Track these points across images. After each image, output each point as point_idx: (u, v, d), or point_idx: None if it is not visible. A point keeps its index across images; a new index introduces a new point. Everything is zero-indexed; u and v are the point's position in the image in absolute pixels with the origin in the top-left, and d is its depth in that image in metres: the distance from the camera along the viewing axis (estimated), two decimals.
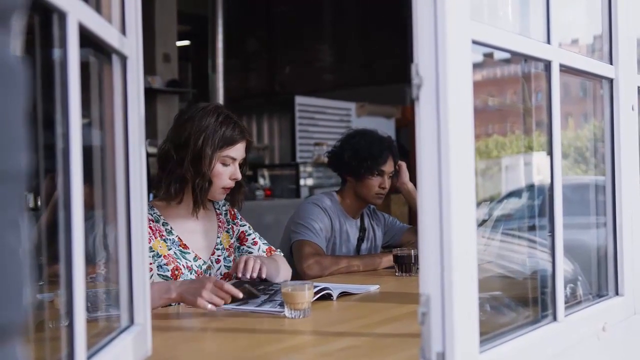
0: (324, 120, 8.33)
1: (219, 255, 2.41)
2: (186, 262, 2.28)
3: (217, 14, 7.65)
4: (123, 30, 1.35)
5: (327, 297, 2.17)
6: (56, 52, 0.99)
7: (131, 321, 1.38)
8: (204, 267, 2.33)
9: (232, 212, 2.53)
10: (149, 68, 7.14)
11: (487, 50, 1.36)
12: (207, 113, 2.28)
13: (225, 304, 1.93)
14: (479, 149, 1.25)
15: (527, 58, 1.61)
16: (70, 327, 1.01)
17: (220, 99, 7.65)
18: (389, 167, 3.03)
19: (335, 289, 2.22)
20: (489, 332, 1.32)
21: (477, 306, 1.22)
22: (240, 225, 2.53)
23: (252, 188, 6.70)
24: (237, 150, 2.31)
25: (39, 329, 1.25)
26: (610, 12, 1.82)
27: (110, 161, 1.36)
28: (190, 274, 2.27)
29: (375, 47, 9.52)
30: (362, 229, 3.16)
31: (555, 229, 1.53)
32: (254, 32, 10.46)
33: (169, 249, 2.26)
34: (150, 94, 7.21)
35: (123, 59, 1.35)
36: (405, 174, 3.15)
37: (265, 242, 2.55)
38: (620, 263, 1.83)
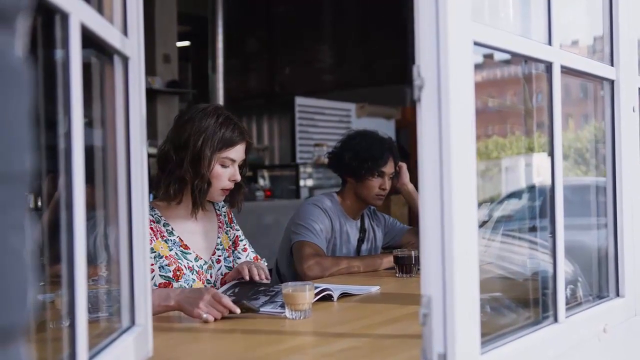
0: (324, 121, 8.33)
1: (219, 256, 2.41)
2: (187, 263, 2.28)
3: (217, 15, 7.65)
4: (125, 31, 1.35)
5: (328, 298, 2.17)
6: (58, 53, 0.99)
7: (132, 322, 1.38)
8: (205, 267, 2.33)
9: (230, 216, 2.53)
10: (149, 68, 7.14)
11: (487, 51, 1.36)
12: (207, 114, 2.28)
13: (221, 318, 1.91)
14: (478, 150, 1.25)
15: (528, 59, 1.61)
16: (72, 327, 1.01)
17: (220, 100, 7.65)
18: (389, 168, 3.03)
19: (336, 289, 2.22)
20: (490, 333, 1.32)
21: (479, 307, 1.22)
22: (236, 230, 2.53)
23: (252, 189, 6.70)
24: (237, 152, 2.31)
25: (39, 330, 1.25)
26: (611, 14, 1.82)
27: (111, 162, 1.36)
28: (192, 274, 2.27)
29: (375, 47, 9.52)
30: (363, 230, 3.16)
31: (556, 230, 1.53)
32: (254, 32, 10.46)
33: (170, 250, 2.26)
34: (150, 95, 7.21)
35: (125, 59, 1.35)
36: (405, 175, 3.15)
37: (253, 250, 2.56)
38: (621, 264, 1.83)
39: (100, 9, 1.24)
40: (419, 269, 2.67)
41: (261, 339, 1.76)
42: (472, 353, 1.20)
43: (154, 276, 2.20)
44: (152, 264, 2.19)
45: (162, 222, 2.30)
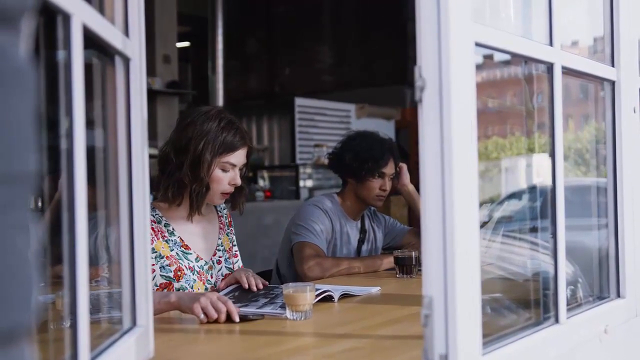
0: (324, 122, 8.33)
1: (220, 257, 2.41)
2: (188, 263, 2.28)
3: (217, 15, 7.65)
4: (126, 32, 1.35)
5: (329, 298, 2.17)
6: (60, 54, 0.99)
7: (134, 323, 1.38)
8: (206, 267, 2.33)
9: (230, 219, 2.54)
10: (149, 69, 7.12)
11: (487, 51, 1.36)
12: (209, 117, 2.27)
13: (217, 321, 1.90)
14: (478, 151, 1.25)
15: (529, 60, 1.61)
16: (74, 328, 1.01)
17: (220, 101, 7.65)
18: (389, 169, 3.03)
19: (337, 290, 2.22)
20: (491, 334, 1.32)
21: (480, 308, 1.22)
22: (233, 234, 2.53)
23: (252, 189, 6.71)
24: (238, 157, 2.30)
25: (41, 330, 1.25)
26: (612, 15, 1.82)
27: (112, 162, 1.36)
28: (193, 274, 2.27)
29: (375, 48, 9.52)
30: (363, 231, 3.16)
31: (557, 231, 1.53)
32: (253, 33, 10.46)
33: (171, 250, 2.26)
34: (150, 95, 7.20)
35: (126, 60, 1.35)
36: (405, 176, 3.15)
37: (239, 258, 2.55)
38: (622, 265, 1.83)
39: (101, 10, 1.24)
40: (419, 270, 2.68)
41: (262, 340, 1.76)
42: (474, 354, 1.20)
43: (154, 276, 2.20)
44: (153, 264, 2.20)
45: (163, 222, 2.30)
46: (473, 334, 1.20)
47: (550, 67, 1.53)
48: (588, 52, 2.09)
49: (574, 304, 1.69)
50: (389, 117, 8.43)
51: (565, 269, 1.55)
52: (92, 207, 1.06)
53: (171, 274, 2.22)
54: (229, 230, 2.50)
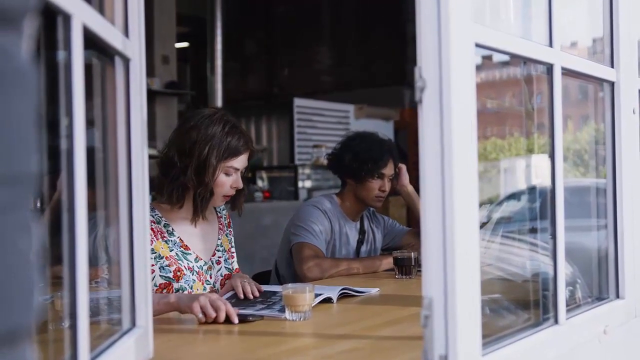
0: (323, 122, 8.33)
1: (219, 257, 2.41)
2: (188, 263, 2.28)
3: (216, 16, 7.65)
4: (126, 32, 1.35)
5: (328, 299, 2.17)
6: (60, 54, 0.99)
7: (133, 323, 1.38)
8: (205, 267, 2.33)
9: (229, 220, 2.54)
10: (148, 70, 7.11)
11: (485, 52, 1.37)
12: (213, 122, 2.27)
13: (216, 321, 1.90)
14: (477, 151, 1.25)
15: (529, 61, 1.61)
16: (73, 329, 1.01)
17: (219, 101, 7.65)
18: (389, 169, 3.03)
19: (335, 290, 2.22)
20: (491, 335, 1.32)
21: (480, 309, 1.22)
22: (232, 235, 2.53)
23: (250, 190, 6.70)
24: (241, 161, 2.31)
25: (39, 331, 1.25)
26: (611, 15, 1.82)
27: (112, 163, 1.36)
28: (192, 274, 2.27)
29: (374, 49, 9.53)
30: (362, 232, 3.16)
31: (556, 232, 1.53)
32: (252, 34, 10.46)
33: (171, 250, 2.26)
34: (149, 96, 7.15)
35: (126, 61, 1.35)
36: (405, 177, 3.15)
37: (235, 260, 2.55)
38: (621, 266, 1.83)
39: (101, 10, 1.24)
40: (418, 271, 2.68)
41: (261, 341, 1.75)
42: (474, 354, 1.20)
43: (154, 277, 2.19)
44: (152, 265, 2.19)
45: (163, 222, 2.30)
46: (473, 335, 1.20)
47: (550, 68, 1.53)
48: (587, 52, 2.09)
49: (573, 304, 1.69)
50: (388, 117, 8.43)
51: (564, 270, 1.55)
52: (91, 207, 1.06)
53: (170, 275, 2.22)
54: (228, 231, 2.50)
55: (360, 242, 3.14)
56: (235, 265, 2.51)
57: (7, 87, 0.53)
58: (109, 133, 1.36)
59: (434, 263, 1.16)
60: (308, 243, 2.87)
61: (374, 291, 2.39)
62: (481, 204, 1.37)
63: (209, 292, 2.28)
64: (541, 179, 1.81)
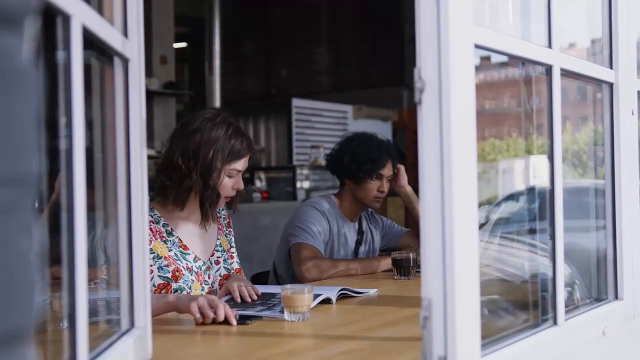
0: (321, 123, 8.32)
1: (218, 257, 2.41)
2: (186, 264, 2.28)
3: (214, 16, 7.65)
4: (125, 33, 1.35)
5: (327, 300, 2.17)
6: (60, 55, 0.99)
7: (132, 324, 1.38)
8: (204, 268, 2.33)
9: (228, 220, 2.54)
10: (146, 70, 7.08)
11: (484, 53, 1.37)
12: (215, 125, 2.27)
13: (214, 322, 1.89)
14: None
15: (528, 62, 1.61)
16: (72, 330, 1.01)
17: (217, 102, 7.65)
18: (387, 170, 3.03)
19: (334, 291, 2.21)
20: (490, 336, 1.32)
21: (479, 310, 1.22)
22: (232, 235, 2.54)
23: (249, 190, 6.69)
24: (244, 163, 2.33)
25: (38, 332, 1.25)
26: (610, 17, 1.83)
27: (111, 163, 1.36)
28: (191, 275, 2.27)
29: (372, 50, 9.52)
30: (360, 232, 3.16)
31: (555, 233, 1.53)
32: (250, 34, 10.45)
33: (170, 250, 2.26)
34: (147, 96, 7.14)
35: (125, 61, 1.35)
36: (403, 177, 3.15)
37: (238, 260, 2.55)
38: (620, 267, 1.83)
39: (100, 11, 1.24)
40: (417, 272, 2.67)
41: (260, 342, 1.75)
42: (473, 355, 1.20)
43: (152, 277, 2.19)
44: (151, 265, 2.19)
45: (162, 222, 2.30)
46: (472, 336, 1.20)
47: (549, 69, 1.53)
48: (586, 54, 2.10)
49: (571, 305, 1.69)
50: (386, 118, 8.42)
51: (563, 271, 1.55)
52: (89, 207, 1.05)
53: (169, 275, 2.22)
54: (227, 231, 2.51)
55: (358, 243, 3.14)
56: (236, 266, 2.51)
57: (9, 88, 0.53)
58: (108, 133, 1.36)
59: (433, 264, 1.16)
60: (306, 244, 2.87)
61: (373, 292, 2.39)
62: (479, 205, 1.37)
63: (208, 292, 2.28)
64: (539, 180, 1.81)
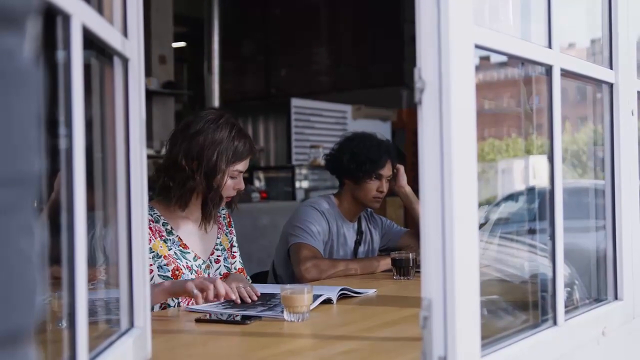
0: (320, 123, 8.32)
1: (218, 256, 2.41)
2: (186, 262, 2.28)
3: (213, 16, 7.65)
4: (125, 32, 1.35)
5: (327, 300, 2.16)
6: (60, 54, 0.99)
7: (131, 324, 1.38)
8: (203, 266, 2.34)
9: (229, 219, 2.54)
10: (145, 69, 7.10)
11: (483, 53, 1.36)
12: (219, 126, 2.29)
13: (213, 301, 1.90)
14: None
15: (528, 62, 1.61)
16: (72, 330, 1.01)
17: (216, 101, 7.64)
18: (387, 170, 3.03)
19: (334, 290, 2.21)
20: (490, 336, 1.32)
21: (479, 310, 1.22)
22: (233, 235, 2.54)
23: (248, 190, 6.69)
24: (245, 164, 2.35)
25: (37, 332, 1.24)
26: (610, 17, 1.83)
27: (111, 163, 1.36)
28: (191, 273, 2.27)
29: (371, 49, 9.53)
30: (360, 232, 3.16)
31: (555, 233, 1.53)
32: (250, 34, 10.46)
33: (169, 249, 2.26)
34: (146, 96, 7.16)
35: (125, 61, 1.34)
36: (402, 177, 3.15)
37: (241, 260, 2.55)
38: (620, 267, 1.83)
39: (100, 10, 1.23)
40: (417, 272, 2.67)
41: (260, 342, 1.75)
42: (473, 356, 1.20)
43: (152, 276, 2.19)
44: (151, 264, 2.19)
45: (162, 221, 2.30)
46: (472, 336, 1.20)
47: (549, 69, 1.53)
48: (586, 54, 2.10)
49: (571, 306, 1.69)
50: (385, 118, 8.43)
51: (563, 271, 1.55)
52: (88, 207, 1.05)
53: (169, 274, 2.22)
54: (228, 230, 2.51)
55: (357, 243, 3.14)
56: (238, 266, 2.52)
57: (10, 88, 0.53)
58: (108, 133, 1.36)
59: (433, 264, 1.16)
60: (306, 244, 2.87)
61: (372, 292, 2.39)
62: (479, 205, 1.37)
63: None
64: (539, 180, 1.81)
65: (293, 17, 10.06)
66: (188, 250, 2.31)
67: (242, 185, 2.36)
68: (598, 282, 1.89)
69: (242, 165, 2.33)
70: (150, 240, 2.21)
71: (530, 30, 1.73)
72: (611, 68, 1.84)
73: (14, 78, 0.53)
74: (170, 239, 2.29)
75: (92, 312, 1.35)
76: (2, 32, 0.52)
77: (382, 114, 8.43)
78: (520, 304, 1.73)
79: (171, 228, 2.31)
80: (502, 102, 2.12)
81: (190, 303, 2.22)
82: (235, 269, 2.49)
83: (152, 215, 2.28)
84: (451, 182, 1.15)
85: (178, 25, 8.14)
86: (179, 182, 2.26)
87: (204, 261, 2.35)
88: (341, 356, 1.59)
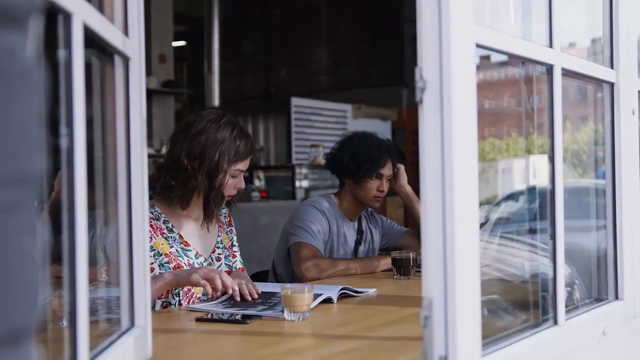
0: (320, 122, 8.32)
1: (219, 254, 2.42)
2: (188, 260, 2.29)
3: (213, 15, 7.65)
4: (125, 31, 1.35)
5: (327, 299, 2.16)
6: (61, 53, 0.99)
7: (132, 323, 1.38)
8: (205, 264, 2.35)
9: (229, 218, 2.54)
10: (145, 68, 7.11)
11: (484, 52, 1.36)
12: (221, 126, 2.30)
13: (216, 297, 1.91)
14: None
15: (529, 62, 1.61)
16: (73, 329, 1.00)
17: (216, 101, 7.64)
18: (387, 170, 3.03)
19: (334, 290, 2.21)
20: (491, 336, 1.32)
21: (480, 310, 1.22)
22: (234, 234, 2.54)
23: (248, 190, 6.69)
24: (246, 164, 2.37)
25: (38, 331, 1.24)
26: (611, 16, 1.82)
27: (111, 162, 1.35)
28: None
29: (371, 49, 9.52)
30: (360, 232, 3.16)
31: (556, 233, 1.53)
32: (250, 33, 10.45)
33: (171, 247, 2.27)
34: (146, 95, 7.18)
35: (125, 59, 1.34)
36: (403, 177, 3.15)
37: (241, 260, 2.55)
38: (620, 267, 1.83)
39: (100, 9, 1.23)
40: (417, 271, 2.67)
41: (260, 341, 1.75)
42: (473, 355, 1.20)
43: (154, 274, 2.19)
44: (152, 263, 2.19)
45: (162, 219, 2.30)
46: (473, 336, 1.20)
47: (550, 68, 1.53)
48: (587, 53, 2.09)
49: (572, 305, 1.69)
50: (386, 117, 8.43)
51: (563, 271, 1.55)
52: (89, 205, 1.05)
53: None
54: (228, 229, 2.52)
55: (358, 242, 3.14)
56: (239, 265, 2.52)
57: (12, 87, 0.52)
58: (108, 131, 1.35)
59: (434, 264, 1.16)
60: (306, 243, 2.86)
61: (372, 291, 2.39)
62: (479, 205, 1.37)
63: None
64: (540, 180, 1.81)
65: (293, 16, 10.06)
66: (189, 248, 2.32)
67: (243, 185, 2.37)
68: (599, 282, 1.89)
69: (243, 165, 2.34)
70: (151, 238, 2.22)
71: (531, 29, 1.73)
72: (612, 67, 1.84)
73: (15, 77, 0.53)
74: (171, 237, 2.29)
75: (92, 311, 1.35)
76: (4, 31, 0.52)
77: (382, 114, 8.43)
78: (520, 304, 1.73)
79: (172, 226, 2.31)
80: (503, 101, 2.12)
81: (192, 302, 2.23)
82: (236, 269, 2.49)
83: (152, 213, 2.28)
84: (452, 182, 1.15)
85: (178, 24, 8.14)
86: (181, 181, 2.27)
87: (205, 259, 2.35)
88: (341, 355, 1.59)
